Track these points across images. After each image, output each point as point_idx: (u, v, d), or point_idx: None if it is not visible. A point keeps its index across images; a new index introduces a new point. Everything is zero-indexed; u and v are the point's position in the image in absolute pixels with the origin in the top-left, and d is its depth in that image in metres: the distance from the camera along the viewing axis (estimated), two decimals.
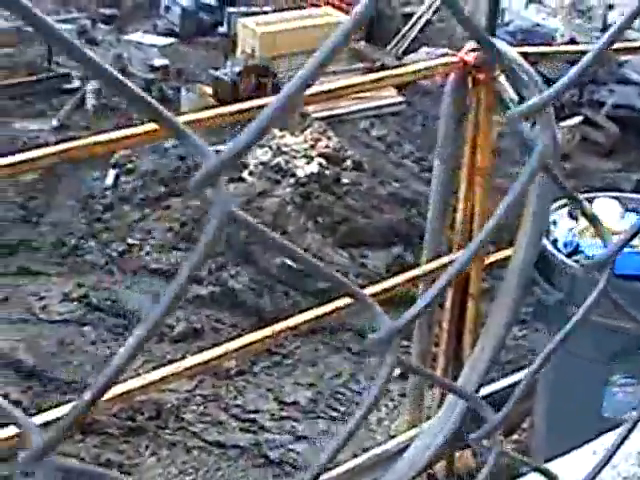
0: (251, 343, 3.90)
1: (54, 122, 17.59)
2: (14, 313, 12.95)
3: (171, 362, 11.67)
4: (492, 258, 5.04)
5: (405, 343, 12.99)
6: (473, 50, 4.91)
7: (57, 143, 14.96)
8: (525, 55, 4.97)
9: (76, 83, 19.40)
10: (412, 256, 13.16)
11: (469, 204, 5.04)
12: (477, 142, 4.94)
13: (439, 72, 4.77)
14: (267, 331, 3.92)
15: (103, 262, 13.96)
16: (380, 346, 1.22)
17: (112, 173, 15.34)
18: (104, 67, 0.98)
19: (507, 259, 5.08)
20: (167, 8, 23.87)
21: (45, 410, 10.58)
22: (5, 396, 11.08)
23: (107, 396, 3.67)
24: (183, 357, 11.74)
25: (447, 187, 5.10)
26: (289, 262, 13.09)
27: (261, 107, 3.76)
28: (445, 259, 5.01)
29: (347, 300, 4.35)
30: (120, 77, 1.03)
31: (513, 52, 4.92)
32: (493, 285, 10.02)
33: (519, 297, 4.91)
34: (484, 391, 6.01)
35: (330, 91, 4.19)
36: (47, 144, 16.57)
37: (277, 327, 3.90)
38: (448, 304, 5.52)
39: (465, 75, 4.84)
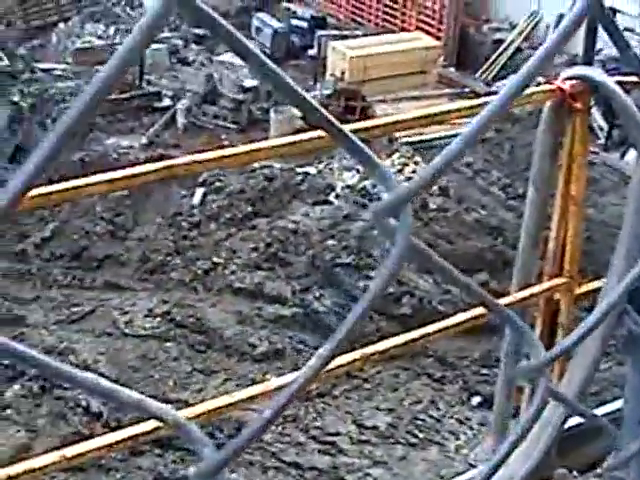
0: (340, 366, 3.89)
1: (144, 139, 17.83)
2: (98, 326, 13.11)
3: (253, 381, 11.79)
4: (584, 288, 4.96)
5: (484, 371, 12.96)
6: (569, 78, 4.86)
7: (147, 160, 15.12)
8: (620, 84, 4.91)
9: (167, 101, 19.67)
10: (497, 283, 13.05)
11: (561, 233, 4.97)
12: (572, 171, 4.87)
13: (535, 100, 4.71)
14: (356, 354, 3.91)
15: (188, 279, 14.08)
16: (533, 373, 1.21)
17: (200, 191, 15.48)
18: (293, 86, 1.00)
19: (599, 290, 5.00)
20: (258, 30, 24.08)
21: (125, 425, 10.67)
22: (86, 407, 11.22)
23: (194, 413, 3.70)
24: (264, 376, 11.80)
25: (540, 216, 5.03)
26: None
27: (369, 129, 3.77)
28: (536, 288, 4.94)
29: (436, 326, 4.32)
30: (309, 97, 1.05)
31: (611, 82, 4.85)
32: (583, 316, 9.89)
33: (610, 328, 4.82)
34: (570, 422, 5.91)
35: (424, 117, 4.17)
36: (137, 160, 16.86)
37: (367, 351, 3.89)
38: (537, 334, 5.44)
39: (561, 104, 4.79)
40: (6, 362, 11.62)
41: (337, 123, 1.05)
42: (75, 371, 1.06)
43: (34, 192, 3.31)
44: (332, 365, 3.94)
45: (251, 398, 3.77)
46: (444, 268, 1.18)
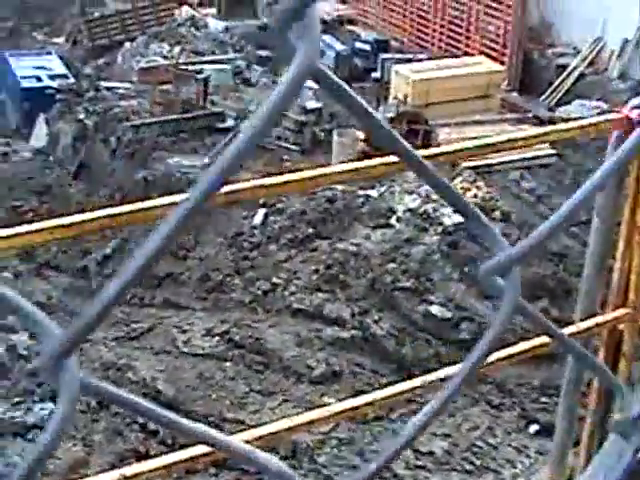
0: (401, 393, 3.87)
1: (206, 159, 17.91)
2: (157, 344, 13.19)
3: (310, 403, 11.77)
4: None
5: (543, 399, 12.84)
6: (637, 107, 4.81)
7: None
8: None
9: (230, 122, 19.78)
10: (557, 311, 12.94)
11: (626, 263, 4.91)
12: (638, 200, 4.82)
13: (603, 129, 4.66)
14: (417, 381, 3.88)
15: (247, 300, 14.12)
16: (628, 427, 1.20)
17: (261, 212, 15.53)
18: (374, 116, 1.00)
19: None
20: (321, 52, 24.12)
21: (180, 443, 10.71)
22: (143, 425, 11.28)
23: (254, 436, 3.69)
24: (321, 399, 11.77)
25: (605, 245, 4.98)
26: (432, 311, 13.02)
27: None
28: (600, 319, 4.89)
29: (498, 354, 4.27)
30: (390, 129, 1.05)
31: None
32: None
33: None
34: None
35: (490, 145, 4.14)
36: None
37: (428, 378, 3.86)
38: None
39: (628, 132, 4.74)
40: None
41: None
42: (185, 421, 1.07)
43: (105, 212, 3.35)
44: (394, 391, 3.93)
45: (310, 422, 3.76)
46: (541, 322, 1.17)
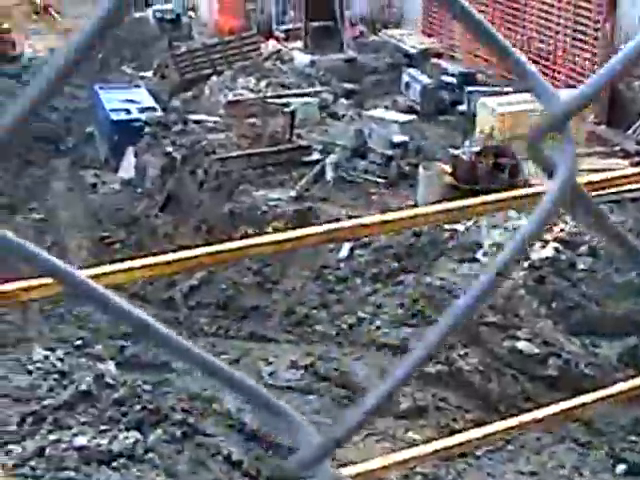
0: (496, 432, 3.84)
1: (293, 192, 18.01)
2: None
3: (394, 438, 11.74)
4: None
5: (633, 438, 12.61)
6: None
7: (295, 212, 15.27)
8: None
9: (316, 155, 19.87)
10: None
11: None
12: None
13: None
14: (512, 422, 3.84)
15: (333, 333, 14.14)
16: None
17: (347, 246, 15.57)
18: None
19: None
20: (407, 85, 24.21)
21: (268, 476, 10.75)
22: (227, 456, 11.33)
23: (350, 474, 3.69)
24: (406, 434, 11.73)
25: None
26: (519, 346, 12.90)
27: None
28: None
29: (594, 395, 4.22)
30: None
31: None
32: None
33: None
34: None
35: (591, 183, 4.11)
36: (285, 213, 17.08)
37: (523, 419, 3.82)
38: None
39: None
40: (151, 406, 11.83)
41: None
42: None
43: (201, 251, 3.40)
44: (489, 430, 3.90)
45: (405, 462, 3.75)
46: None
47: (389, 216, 3.57)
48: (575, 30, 24.66)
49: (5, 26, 40.68)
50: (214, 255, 3.37)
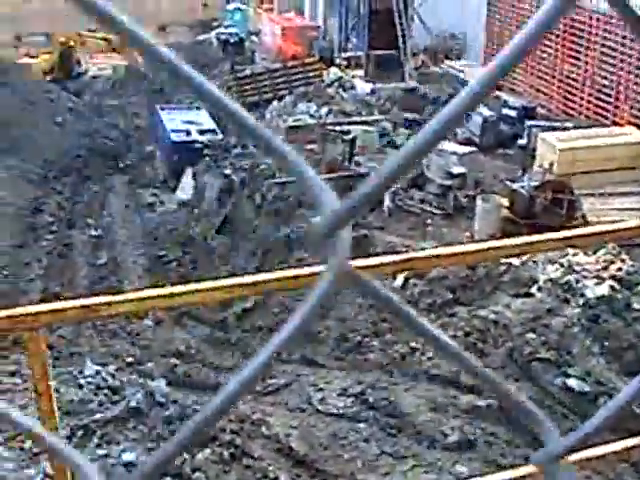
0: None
1: None
2: (292, 401, 13.28)
3: (441, 470, 11.68)
4: None
5: None
6: None
7: (351, 239, 15.40)
8: None
9: None
10: None
11: None
12: None
13: None
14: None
15: (384, 362, 14.13)
16: None
17: (401, 276, 15.57)
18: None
19: None
20: (468, 117, 24.20)
21: None
22: (274, 479, 11.34)
23: None
24: (454, 467, 11.67)
25: None
26: (570, 384, 12.81)
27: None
28: None
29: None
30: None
31: None
32: None
33: None
34: None
35: None
36: None
37: (573, 457, 3.80)
38: None
39: None
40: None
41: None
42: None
43: (253, 279, 3.44)
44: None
45: None
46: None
47: (461, 249, 3.60)
48: (639, 67, 24.54)
49: (71, 44, 41.25)
50: (283, 281, 3.41)
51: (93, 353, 15.90)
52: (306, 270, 4.33)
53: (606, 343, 13.67)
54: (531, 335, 13.70)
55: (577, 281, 14.51)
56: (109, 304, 4.09)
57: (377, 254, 16.28)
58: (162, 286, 18.68)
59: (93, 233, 25.49)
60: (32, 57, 45.08)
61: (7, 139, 30.07)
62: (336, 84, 30.54)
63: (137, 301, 3.74)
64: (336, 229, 0.99)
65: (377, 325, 14.91)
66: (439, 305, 14.93)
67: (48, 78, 40.45)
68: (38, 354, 4.39)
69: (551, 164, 19.54)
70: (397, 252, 16.34)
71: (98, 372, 13.33)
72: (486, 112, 23.65)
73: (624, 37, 24.85)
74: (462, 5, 33.61)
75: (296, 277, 3.41)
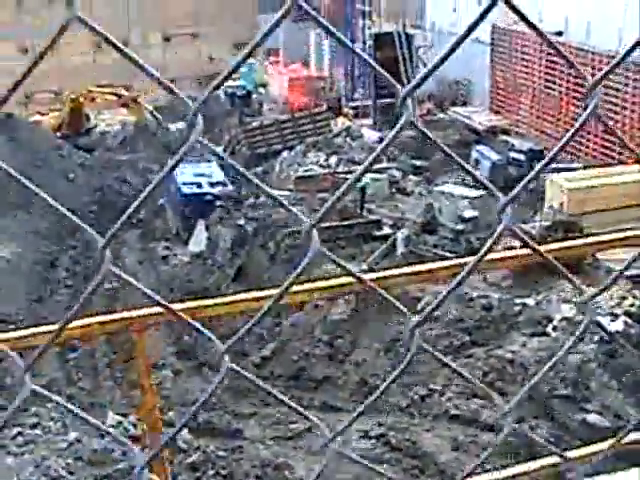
0: None
1: (364, 266, 18.23)
2: (314, 445, 13.40)
3: None
4: None
5: None
6: None
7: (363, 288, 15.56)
8: None
9: (387, 230, 20.16)
10: None
11: None
12: None
13: None
14: None
15: (404, 404, 14.26)
16: None
17: (415, 319, 15.73)
18: None
19: None
20: (477, 161, 24.50)
21: None
22: None
23: None
24: None
25: None
26: (590, 419, 12.94)
27: None
28: None
29: None
30: None
31: None
32: None
33: None
34: None
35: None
36: (355, 287, 17.28)
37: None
38: None
39: None
40: (225, 472, 12.01)
41: None
42: None
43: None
44: None
45: None
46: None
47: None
48: None
49: (80, 100, 41.68)
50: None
51: (114, 404, 16.07)
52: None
53: (623, 378, 13.81)
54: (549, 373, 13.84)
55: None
56: (210, 306, 5.73)
57: (396, 297, 16.45)
58: (179, 338, 18.69)
59: (108, 286, 25.68)
60: (42, 114, 45.57)
61: (19, 195, 30.34)
62: (344, 133, 30.86)
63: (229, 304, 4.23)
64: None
65: (395, 368, 15.05)
66: (456, 346, 15.08)
67: (58, 134, 40.84)
68: (143, 353, 5.45)
69: (561, 204, 19.74)
70: (412, 297, 16.55)
71: (120, 422, 13.49)
72: (494, 156, 23.94)
73: (627, 77, 25.17)
74: (466, 52, 33.91)
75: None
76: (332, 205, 1.32)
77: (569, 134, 1.90)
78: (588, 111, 1.82)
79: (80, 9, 1.48)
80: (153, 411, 5.60)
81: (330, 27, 1.56)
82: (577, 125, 1.89)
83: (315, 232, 1.40)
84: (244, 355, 17.23)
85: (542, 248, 1.58)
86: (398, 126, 1.50)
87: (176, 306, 4.98)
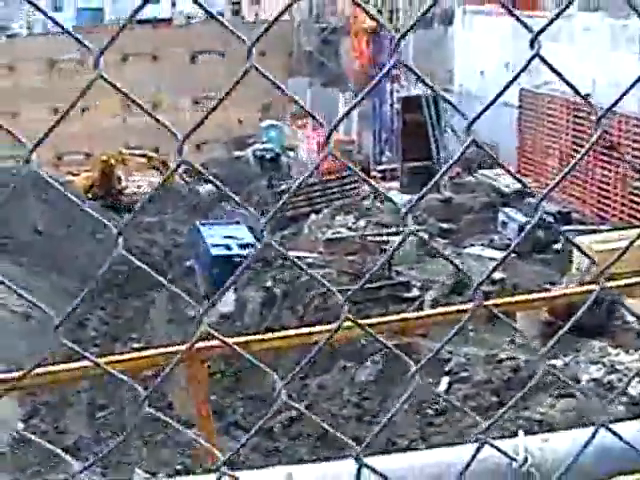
0: None
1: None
2: None
3: None
4: None
5: None
6: None
7: (395, 347, 15.58)
8: None
9: (415, 292, 20.24)
10: None
11: None
12: None
13: None
14: None
15: None
16: None
17: (445, 380, 15.78)
18: None
19: None
20: (504, 224, 24.63)
21: None
22: None
23: None
24: None
25: None
26: None
27: None
28: None
29: None
30: None
31: None
32: None
33: None
34: None
35: None
36: (383, 349, 17.33)
37: None
38: None
39: None
40: None
41: None
42: None
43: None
44: None
45: None
46: None
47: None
48: None
49: (112, 162, 42.20)
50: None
51: (142, 462, 16.14)
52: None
53: None
54: None
55: (619, 380, 14.67)
56: (264, 340, 6.24)
57: (418, 361, 16.51)
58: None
59: (136, 346, 25.83)
60: (74, 175, 46.14)
61: (49, 256, 30.67)
62: (372, 196, 31.07)
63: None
64: None
65: (423, 430, 15.08)
66: (485, 408, 15.09)
67: (89, 195, 41.31)
68: (203, 382, 6.06)
69: (589, 267, 19.76)
70: (440, 359, 16.59)
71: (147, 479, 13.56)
72: (521, 218, 24.04)
73: None
74: (494, 114, 34.16)
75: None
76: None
77: (578, 156, 2.05)
78: (594, 138, 1.97)
79: (112, 74, 1.63)
80: (211, 437, 6.09)
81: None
82: (586, 148, 2.04)
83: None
84: (272, 415, 17.27)
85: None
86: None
87: (231, 340, 5.37)
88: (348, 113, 1.70)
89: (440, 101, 33.99)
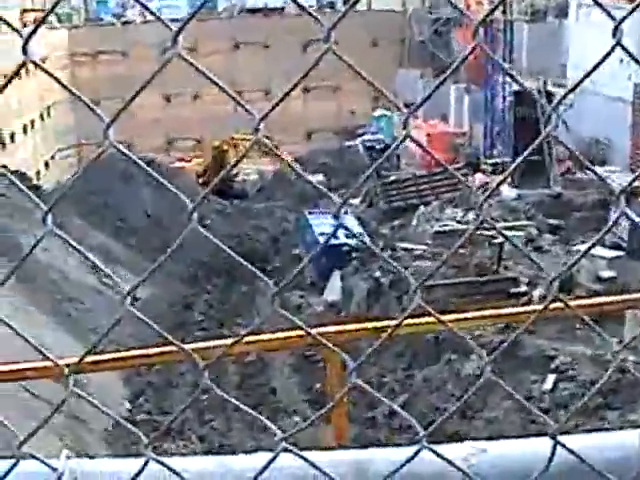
0: None
1: (500, 323, 18.15)
2: None
3: None
4: None
5: None
6: None
7: (500, 343, 15.37)
8: None
9: (523, 287, 20.04)
10: None
11: None
12: None
13: None
14: None
15: None
16: None
17: (551, 378, 15.61)
18: None
19: None
20: (616, 222, 24.19)
21: None
22: None
23: None
24: None
25: None
26: None
27: None
28: None
29: None
30: None
31: None
32: None
33: None
34: None
35: None
36: (490, 343, 17.21)
37: None
38: None
39: None
40: None
41: None
42: None
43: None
44: None
45: None
46: None
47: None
48: None
49: (224, 147, 42.56)
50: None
51: (243, 445, 16.28)
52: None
53: None
54: None
55: None
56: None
57: (530, 355, 16.38)
58: (310, 388, 18.89)
59: (242, 332, 26.07)
60: (186, 161, 46.67)
61: (159, 240, 31.10)
62: (482, 190, 30.86)
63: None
64: None
65: (526, 428, 14.91)
66: (591, 409, 14.88)
67: (200, 181, 41.73)
68: (337, 369, 6.08)
69: None
70: (546, 356, 16.42)
71: None
72: (635, 217, 23.61)
73: None
74: (607, 110, 33.66)
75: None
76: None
77: None
78: None
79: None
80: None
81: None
82: None
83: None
84: (373, 408, 17.29)
85: None
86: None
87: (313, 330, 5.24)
88: (428, 98, 1.69)
89: (553, 96, 33.55)
